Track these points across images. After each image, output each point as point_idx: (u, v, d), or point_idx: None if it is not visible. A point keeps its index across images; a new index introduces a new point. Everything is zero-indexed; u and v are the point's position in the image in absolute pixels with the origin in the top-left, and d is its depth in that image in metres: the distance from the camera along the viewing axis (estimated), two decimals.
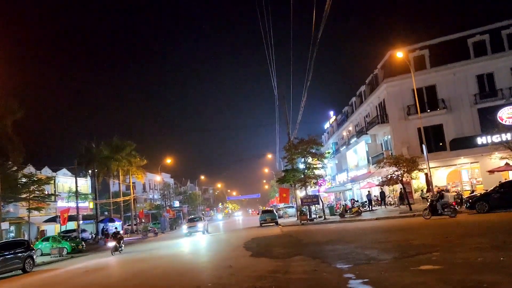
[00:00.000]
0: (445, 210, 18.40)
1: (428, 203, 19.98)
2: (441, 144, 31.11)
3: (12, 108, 26.60)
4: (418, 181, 29.97)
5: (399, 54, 26.34)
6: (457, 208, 19.15)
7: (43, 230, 41.69)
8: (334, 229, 20.52)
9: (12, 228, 42.02)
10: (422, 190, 30.57)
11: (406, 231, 15.07)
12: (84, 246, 27.94)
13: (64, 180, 48.54)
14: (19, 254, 17.26)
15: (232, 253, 14.39)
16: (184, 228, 33.30)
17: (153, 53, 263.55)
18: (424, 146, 23.87)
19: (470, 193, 23.44)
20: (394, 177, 26.38)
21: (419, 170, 26.07)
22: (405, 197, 27.88)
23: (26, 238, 38.71)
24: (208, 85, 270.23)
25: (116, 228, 37.06)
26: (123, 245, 22.06)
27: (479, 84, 30.45)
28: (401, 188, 27.80)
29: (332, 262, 9.25)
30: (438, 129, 31.17)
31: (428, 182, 30.51)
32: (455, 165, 30.97)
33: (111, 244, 21.69)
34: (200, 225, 31.60)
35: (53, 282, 13.38)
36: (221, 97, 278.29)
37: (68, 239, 27.92)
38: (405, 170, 25.49)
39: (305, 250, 12.57)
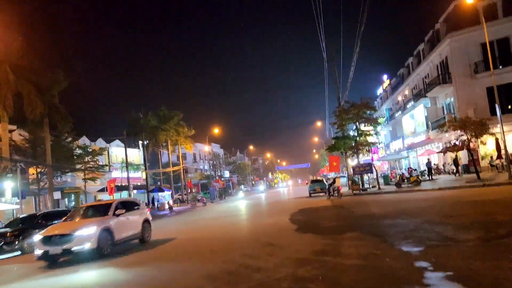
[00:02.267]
0: (335, 192, 24.89)
1: (327, 187, 26.40)
2: None
3: (58, 79, 26.55)
4: (485, 147, 26.70)
5: (469, 0, 22.71)
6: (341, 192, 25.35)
7: (100, 200, 42.95)
8: (391, 200, 18.47)
9: (73, 197, 44.17)
10: (491, 157, 27.32)
11: (481, 203, 12.79)
12: None
13: (117, 151, 49.64)
14: None
15: (275, 226, 12.98)
16: (37, 242, 10.65)
17: (200, 18, 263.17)
18: (497, 106, 20.72)
19: None
20: (459, 143, 23.55)
21: (490, 134, 22.94)
22: (472, 164, 24.89)
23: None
24: (256, 54, 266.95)
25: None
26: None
27: None
28: (469, 155, 24.80)
29: (396, 243, 7.46)
30: (511, 88, 27.38)
31: (499, 148, 27.20)
32: None
33: None
34: (86, 231, 10.30)
35: None
36: (270, 63, 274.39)
37: None
38: (473, 134, 22.54)
39: (359, 224, 10.85)
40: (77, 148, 36.13)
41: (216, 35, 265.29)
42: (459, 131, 23.36)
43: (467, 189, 19.17)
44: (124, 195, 41.90)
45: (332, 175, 50.33)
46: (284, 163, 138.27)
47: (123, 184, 40.58)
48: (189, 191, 50.36)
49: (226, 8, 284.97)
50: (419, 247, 6.83)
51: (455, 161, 28.01)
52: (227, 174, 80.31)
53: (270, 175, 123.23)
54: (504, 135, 21.26)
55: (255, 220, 17.21)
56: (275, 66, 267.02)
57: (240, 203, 34.61)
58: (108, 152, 47.95)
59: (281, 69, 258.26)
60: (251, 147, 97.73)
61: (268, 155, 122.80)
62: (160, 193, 41.70)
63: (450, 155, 31.62)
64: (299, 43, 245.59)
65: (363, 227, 10.18)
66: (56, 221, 17.07)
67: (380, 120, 37.52)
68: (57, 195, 27.31)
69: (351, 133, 32.21)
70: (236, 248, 9.28)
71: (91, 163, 37.28)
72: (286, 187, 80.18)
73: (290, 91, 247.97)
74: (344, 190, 33.99)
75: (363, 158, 36.53)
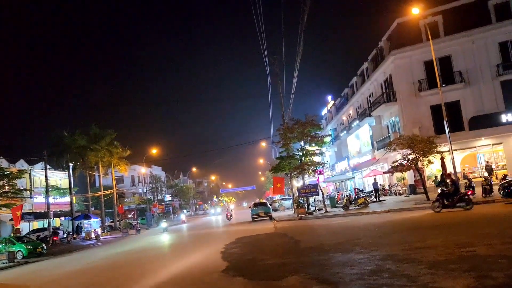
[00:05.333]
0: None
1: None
2: (458, 123, 27.01)
3: None
4: (429, 167, 25.87)
5: (415, 11, 22.01)
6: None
7: (18, 229, 37.59)
8: (340, 226, 16.41)
9: None
10: (435, 177, 26.60)
11: (443, 228, 10.98)
12: (45, 248, 23.71)
13: (42, 174, 44.36)
14: None
15: (201, 265, 10.26)
16: None
17: (137, 34, 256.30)
18: (446, 123, 19.78)
19: (503, 178, 19.25)
20: (406, 162, 22.46)
21: (438, 152, 22.01)
22: (420, 184, 23.83)
23: None
24: (198, 71, 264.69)
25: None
26: None
27: (502, 53, 26.42)
28: (417, 175, 23.74)
29: None
30: (455, 106, 27.10)
31: (445, 167, 26.56)
32: (474, 147, 26.99)
33: None
34: None
35: None
36: (213, 82, 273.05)
37: (26, 241, 23.75)
38: (421, 152, 21.51)
39: (305, 262, 8.43)
40: None
41: (155, 50, 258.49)
42: (405, 150, 22.34)
43: (418, 211, 17.69)
44: (45, 223, 36.95)
45: (277, 197, 48.36)
46: (230, 186, 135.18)
47: (42, 211, 35.79)
48: (122, 217, 45.90)
49: (165, 19, 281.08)
50: None
51: (442, 176, 24.08)
52: (168, 197, 75.83)
53: (215, 199, 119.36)
54: (452, 153, 20.31)
55: (180, 254, 14.30)
56: (218, 85, 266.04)
57: (174, 231, 31.13)
58: (30, 175, 42.75)
59: (224, 88, 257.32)
60: (194, 169, 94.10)
61: (213, 177, 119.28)
62: (86, 221, 37.11)
63: (396, 176, 30.81)
64: (243, 59, 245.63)
65: (309, 266, 7.79)
66: None
67: (326, 139, 36.21)
68: None
69: (296, 153, 30.44)
70: None
71: (6, 187, 32.42)
72: (216, 216, 58.14)
73: (234, 111, 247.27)
74: (289, 213, 31.95)
75: (309, 179, 34.87)
